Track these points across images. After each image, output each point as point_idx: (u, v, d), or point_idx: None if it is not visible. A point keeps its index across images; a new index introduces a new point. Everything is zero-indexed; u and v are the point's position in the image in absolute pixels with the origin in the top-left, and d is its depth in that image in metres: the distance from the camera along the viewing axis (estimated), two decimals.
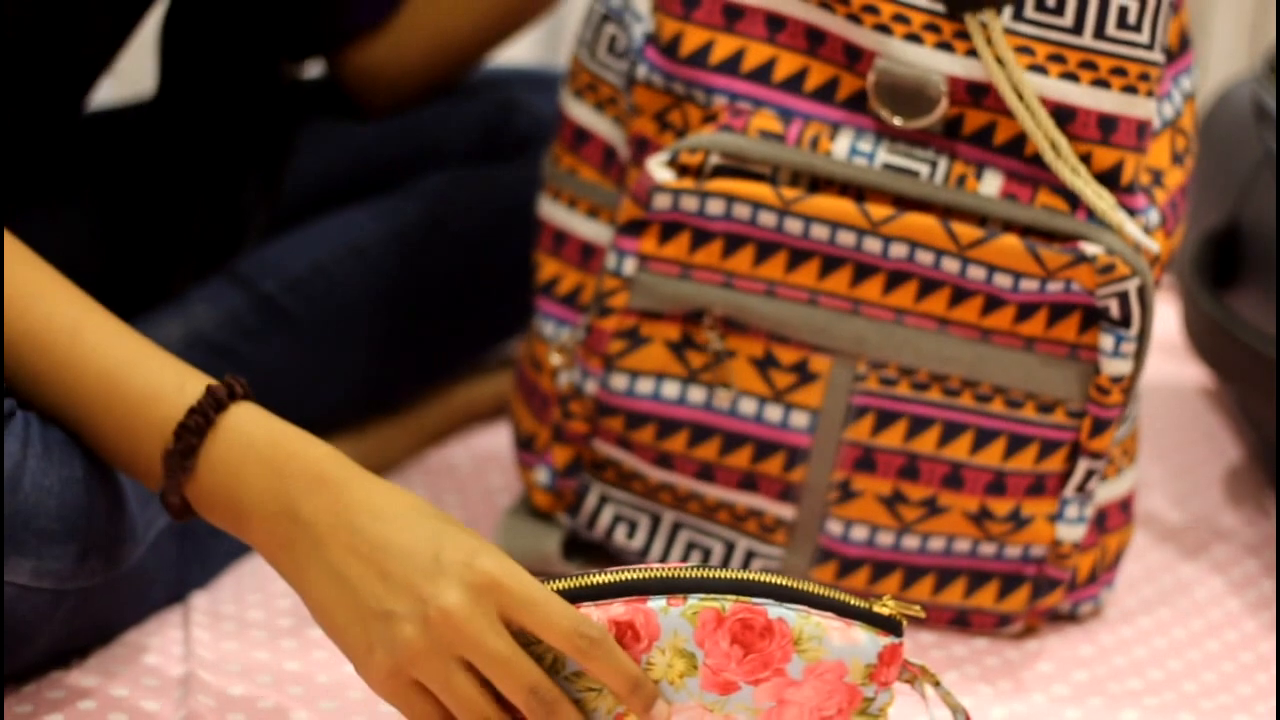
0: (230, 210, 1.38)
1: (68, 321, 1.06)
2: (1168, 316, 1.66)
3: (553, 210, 1.29)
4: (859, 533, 1.21)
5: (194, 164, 1.35)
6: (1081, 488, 1.21)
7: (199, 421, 1.02)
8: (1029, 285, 1.16)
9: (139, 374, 1.05)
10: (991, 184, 1.16)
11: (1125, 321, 1.16)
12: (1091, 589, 1.28)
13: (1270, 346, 1.37)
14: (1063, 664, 1.24)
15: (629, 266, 1.18)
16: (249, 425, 1.02)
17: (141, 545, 1.16)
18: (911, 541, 1.21)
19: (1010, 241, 1.15)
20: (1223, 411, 1.62)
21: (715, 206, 1.16)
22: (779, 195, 1.16)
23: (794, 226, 1.16)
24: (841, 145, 1.17)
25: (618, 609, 0.97)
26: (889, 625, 0.98)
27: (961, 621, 1.25)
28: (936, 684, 0.99)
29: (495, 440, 1.48)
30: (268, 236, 1.39)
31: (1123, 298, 1.15)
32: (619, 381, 1.20)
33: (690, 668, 0.97)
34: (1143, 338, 1.16)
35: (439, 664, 0.95)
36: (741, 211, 1.16)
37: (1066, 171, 1.15)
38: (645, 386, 1.20)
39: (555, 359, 1.26)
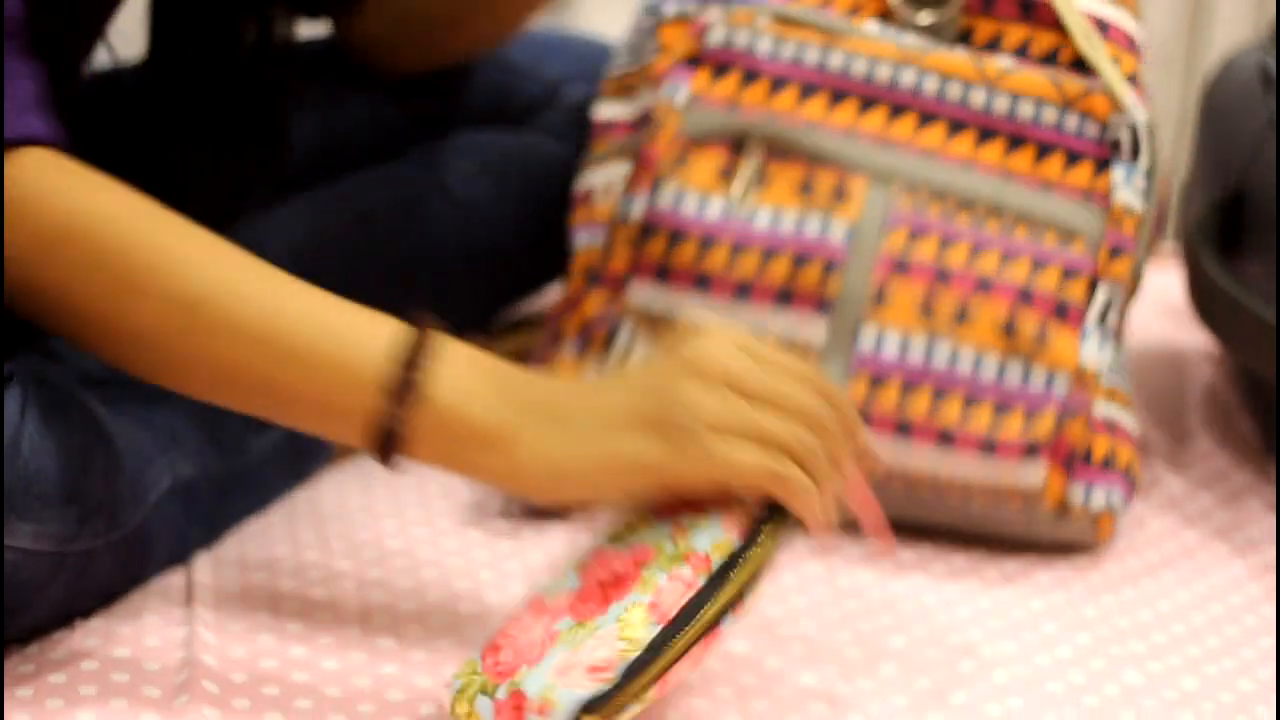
0: (228, 177, 1.38)
1: (256, 267, 1.05)
2: (1171, 282, 1.66)
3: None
4: (891, 346, 1.27)
5: (186, 129, 1.35)
6: (1102, 319, 1.29)
7: (420, 347, 1.02)
8: (1049, 116, 1.30)
9: (335, 313, 1.04)
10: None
11: (1134, 155, 1.30)
12: (1106, 476, 1.30)
13: (1274, 312, 1.37)
14: (1066, 626, 1.24)
15: (681, 96, 1.30)
16: (461, 349, 1.04)
17: (143, 507, 1.16)
18: (941, 355, 1.26)
19: (1033, 72, 1.31)
20: (1226, 377, 1.61)
21: (764, 45, 1.31)
22: (822, 32, 1.31)
23: (835, 62, 1.31)
24: (872, 26, 1.33)
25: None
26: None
27: (988, 448, 1.27)
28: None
29: None
30: (270, 203, 1.39)
31: (1133, 131, 1.30)
32: (666, 197, 1.29)
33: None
34: (1150, 176, 1.30)
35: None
36: (787, 51, 1.31)
37: (1080, 36, 1.32)
38: (690, 203, 1.29)
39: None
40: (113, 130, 1.35)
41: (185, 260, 1.03)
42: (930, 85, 1.31)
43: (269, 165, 1.39)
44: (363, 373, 1.03)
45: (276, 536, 1.27)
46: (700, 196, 1.29)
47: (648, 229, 1.29)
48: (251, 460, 1.28)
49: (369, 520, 1.30)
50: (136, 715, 1.05)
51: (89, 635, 1.13)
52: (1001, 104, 1.31)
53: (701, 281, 1.28)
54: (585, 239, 1.34)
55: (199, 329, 1.03)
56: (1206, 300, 1.46)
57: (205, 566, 1.22)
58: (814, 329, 1.28)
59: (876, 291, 1.28)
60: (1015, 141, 1.31)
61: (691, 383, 1.03)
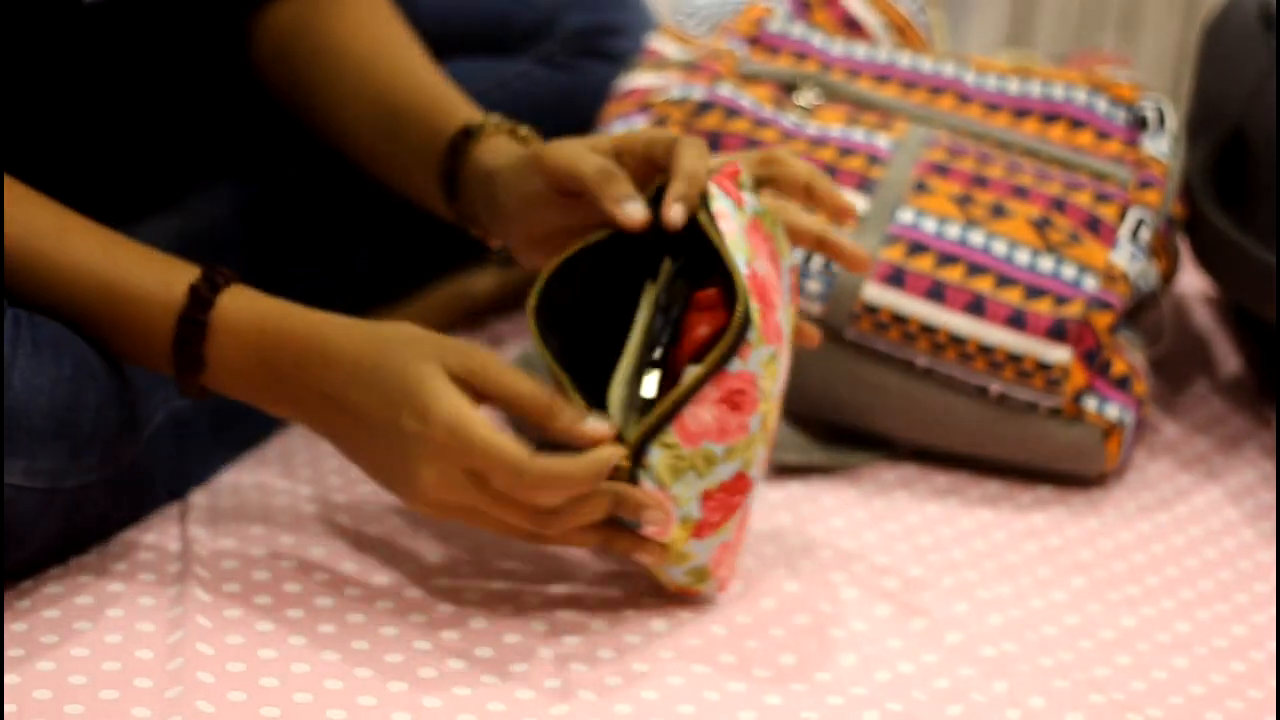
0: (223, 108, 1.37)
1: (51, 226, 1.09)
2: None
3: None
4: (929, 224, 1.34)
5: (171, 65, 1.33)
6: (1134, 235, 1.34)
7: (193, 326, 1.07)
8: (1080, 97, 1.40)
9: (130, 276, 1.09)
10: None
11: (1161, 123, 1.39)
12: (1121, 395, 1.33)
13: (1275, 254, 1.37)
14: (1060, 569, 1.24)
15: (739, 50, 1.42)
16: (235, 316, 1.08)
17: (137, 443, 1.15)
18: (977, 240, 1.32)
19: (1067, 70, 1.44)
20: (1224, 322, 1.61)
21: (817, 39, 1.44)
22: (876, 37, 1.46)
23: (881, 57, 1.44)
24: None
25: (713, 392, 1.07)
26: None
27: (1018, 321, 1.30)
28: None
29: None
30: (269, 130, 1.38)
31: (1158, 105, 1.40)
32: (724, 90, 1.39)
33: (774, 360, 1.09)
34: (1174, 143, 1.38)
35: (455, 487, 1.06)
36: (837, 47, 1.44)
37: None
38: (746, 100, 1.39)
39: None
40: (98, 62, 1.33)
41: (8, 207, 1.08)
42: (969, 76, 1.43)
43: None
44: (151, 337, 1.09)
45: (271, 473, 1.27)
46: (755, 101, 1.40)
47: (704, 106, 1.39)
48: None
49: None
50: (131, 649, 1.05)
51: (84, 570, 1.13)
52: (1035, 89, 1.42)
53: (752, 147, 1.36)
54: (621, 127, 1.39)
55: (16, 271, 1.08)
56: (1206, 243, 1.45)
57: (201, 503, 1.22)
58: (856, 201, 1.34)
59: (917, 182, 1.36)
60: (1049, 117, 1.40)
61: (419, 462, 1.05)
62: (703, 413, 1.07)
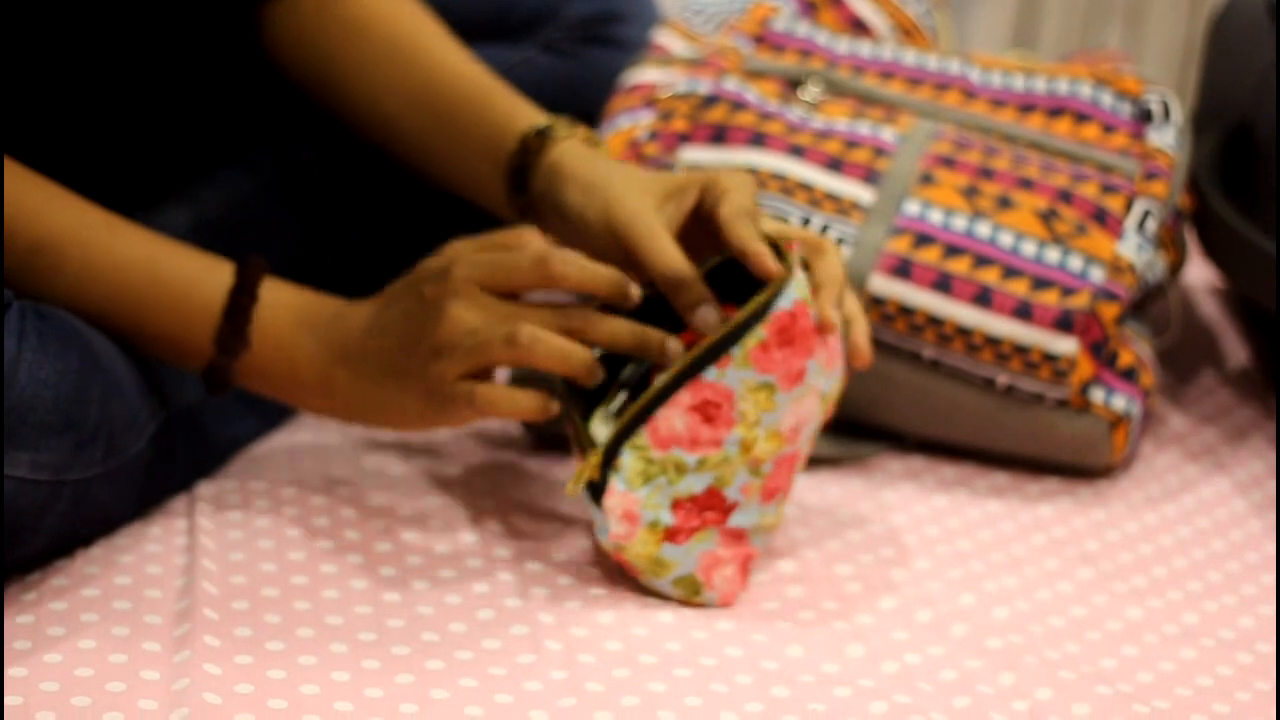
0: (233, 95, 1.37)
1: (101, 218, 1.12)
2: None
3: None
4: (935, 215, 1.34)
5: (179, 53, 1.33)
6: (1141, 227, 1.34)
7: (245, 301, 1.12)
8: (1085, 91, 1.40)
9: (174, 261, 1.13)
10: None
11: (1166, 116, 1.39)
12: (1128, 386, 1.33)
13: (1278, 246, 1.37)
14: (1067, 560, 1.24)
15: (745, 47, 1.43)
16: (284, 296, 1.14)
17: (142, 436, 1.15)
18: (983, 231, 1.32)
19: (1075, 67, 1.44)
20: (1232, 313, 1.61)
21: (821, 37, 1.44)
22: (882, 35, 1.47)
23: (886, 54, 1.44)
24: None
25: (686, 398, 1.08)
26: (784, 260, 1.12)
27: (1025, 313, 1.30)
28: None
29: None
30: (279, 117, 1.38)
31: (1164, 99, 1.40)
32: (730, 84, 1.40)
33: (770, 393, 1.09)
34: (1179, 135, 1.38)
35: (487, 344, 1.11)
36: (842, 45, 1.44)
37: None
38: (751, 94, 1.39)
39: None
40: (106, 53, 1.34)
41: (26, 208, 1.10)
42: (974, 73, 1.43)
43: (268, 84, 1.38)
44: (193, 324, 1.13)
45: (277, 464, 1.27)
46: (760, 96, 1.39)
47: (710, 99, 1.39)
48: None
49: (372, 447, 1.30)
50: (138, 643, 1.05)
51: (90, 562, 1.13)
52: (1040, 84, 1.42)
53: (757, 139, 1.37)
54: (626, 121, 1.40)
55: (45, 271, 1.11)
56: (1212, 235, 1.45)
57: (207, 495, 1.22)
58: (862, 193, 1.34)
59: (923, 174, 1.35)
60: (1054, 112, 1.40)
61: (441, 301, 1.12)
62: (674, 417, 1.08)
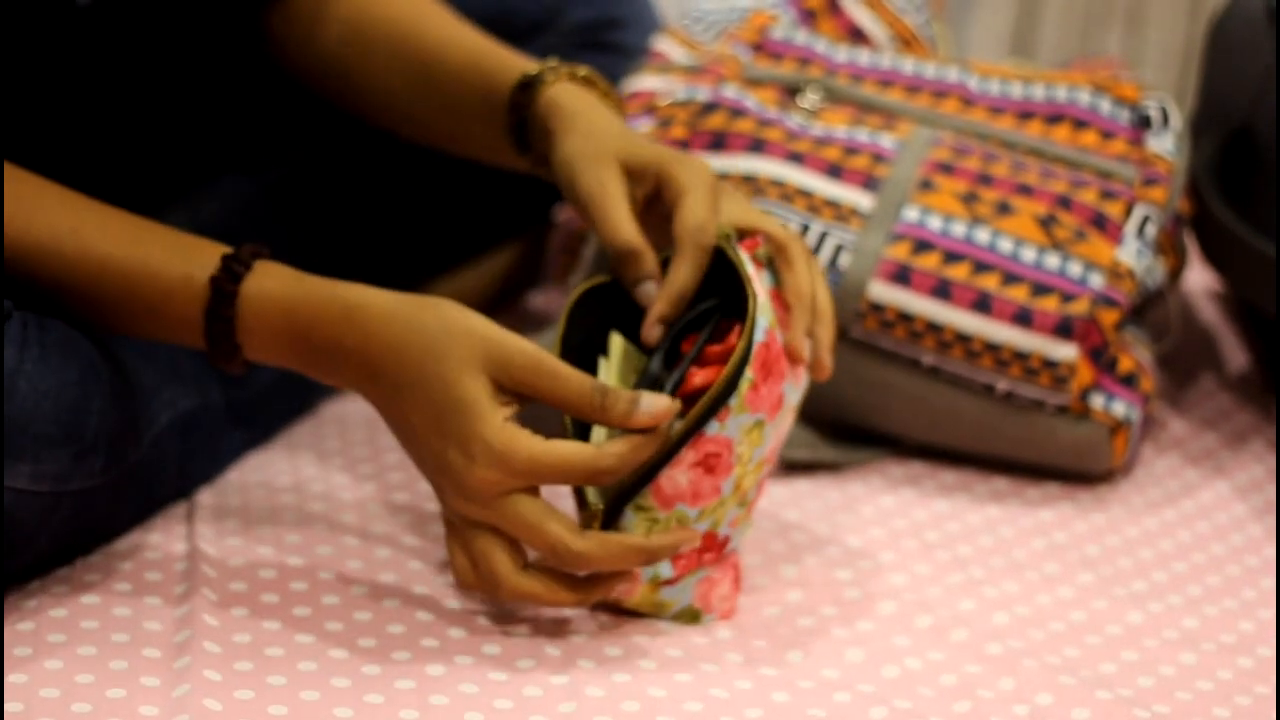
0: (232, 101, 1.37)
1: (65, 225, 1.08)
2: None
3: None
4: (934, 221, 1.34)
5: (179, 60, 1.33)
6: (1140, 232, 1.35)
7: (221, 321, 1.07)
8: (1083, 98, 1.41)
9: (151, 259, 1.08)
10: None
11: (1165, 122, 1.39)
12: (1128, 392, 1.33)
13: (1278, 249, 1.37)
14: (1067, 565, 1.24)
15: (744, 55, 1.44)
16: (260, 306, 1.08)
17: (142, 444, 1.15)
18: (982, 237, 1.32)
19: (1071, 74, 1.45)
20: (1231, 317, 1.61)
21: (820, 45, 1.45)
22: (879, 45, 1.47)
23: (885, 63, 1.44)
24: None
25: (690, 455, 1.06)
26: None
27: (1024, 319, 1.31)
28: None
29: None
30: (279, 121, 1.38)
31: (1162, 105, 1.40)
32: (729, 91, 1.40)
33: (760, 429, 1.09)
34: (1178, 141, 1.39)
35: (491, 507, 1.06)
36: (841, 54, 1.44)
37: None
38: (750, 101, 1.40)
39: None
40: (104, 61, 1.34)
41: (21, 206, 1.08)
42: (972, 81, 1.44)
43: (268, 92, 1.38)
44: (186, 329, 1.09)
45: (277, 470, 1.27)
46: (759, 103, 1.40)
47: (709, 106, 1.39)
48: (253, 392, 1.28)
49: (371, 452, 1.30)
50: (138, 649, 1.05)
51: (90, 570, 1.13)
52: (1038, 91, 1.43)
53: (756, 146, 1.37)
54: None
55: (41, 265, 1.08)
56: (1212, 238, 1.45)
57: (207, 501, 1.22)
58: (861, 199, 1.35)
59: (922, 181, 1.36)
60: (1053, 118, 1.41)
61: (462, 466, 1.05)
62: (679, 476, 1.08)
